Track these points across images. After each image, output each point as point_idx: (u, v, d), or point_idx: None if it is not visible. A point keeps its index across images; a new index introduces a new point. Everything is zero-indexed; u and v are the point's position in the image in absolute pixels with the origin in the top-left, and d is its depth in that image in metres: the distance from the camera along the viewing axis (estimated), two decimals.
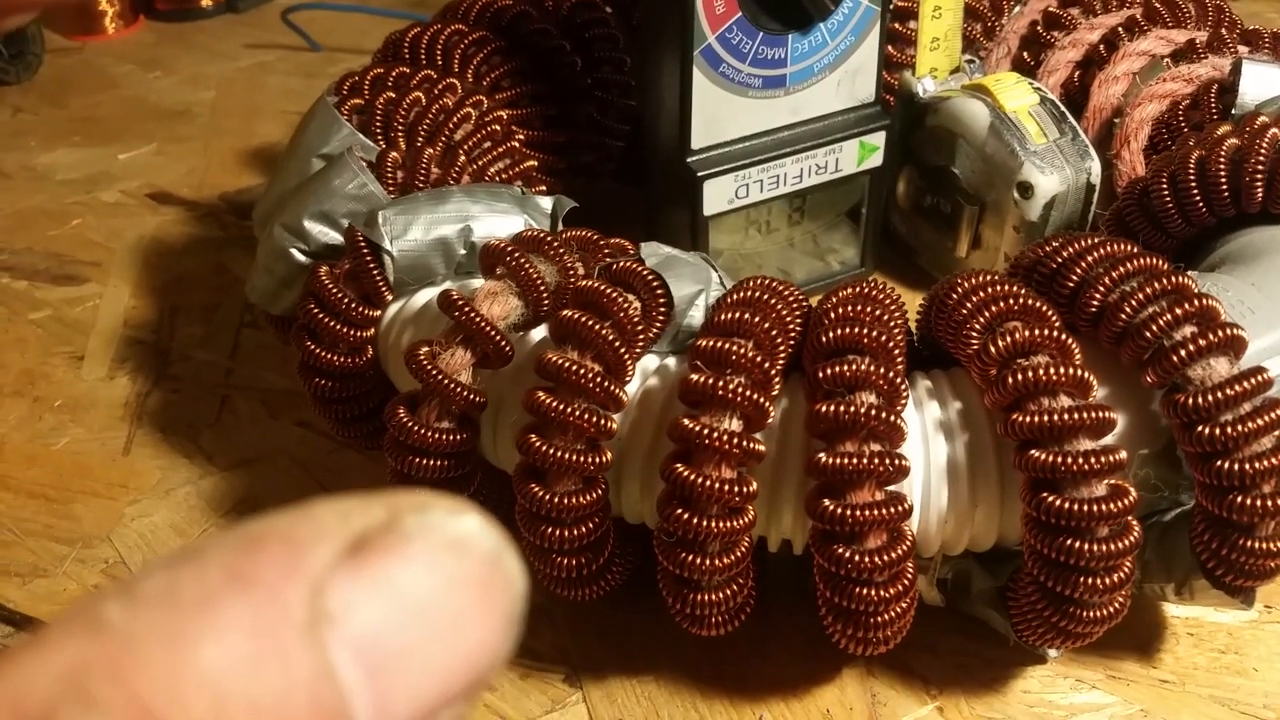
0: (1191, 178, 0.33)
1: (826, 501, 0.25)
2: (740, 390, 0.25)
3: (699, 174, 0.39)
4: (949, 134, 0.43)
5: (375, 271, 0.31)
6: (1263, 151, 0.31)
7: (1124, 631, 0.28)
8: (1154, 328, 0.25)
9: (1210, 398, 0.25)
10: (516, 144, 0.40)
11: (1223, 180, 0.32)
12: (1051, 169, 0.40)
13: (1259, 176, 0.31)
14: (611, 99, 0.45)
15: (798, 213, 0.44)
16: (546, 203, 0.34)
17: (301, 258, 0.34)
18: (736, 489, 0.25)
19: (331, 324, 0.32)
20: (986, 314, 0.26)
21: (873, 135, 0.42)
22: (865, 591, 0.25)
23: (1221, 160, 0.32)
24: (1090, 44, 0.46)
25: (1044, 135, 0.41)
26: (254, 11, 0.78)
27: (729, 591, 0.27)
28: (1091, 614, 0.26)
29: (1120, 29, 0.45)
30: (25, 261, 0.51)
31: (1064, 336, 0.26)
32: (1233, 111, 0.39)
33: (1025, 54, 0.48)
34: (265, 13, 0.77)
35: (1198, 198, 0.33)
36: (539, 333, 0.30)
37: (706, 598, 0.27)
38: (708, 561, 0.26)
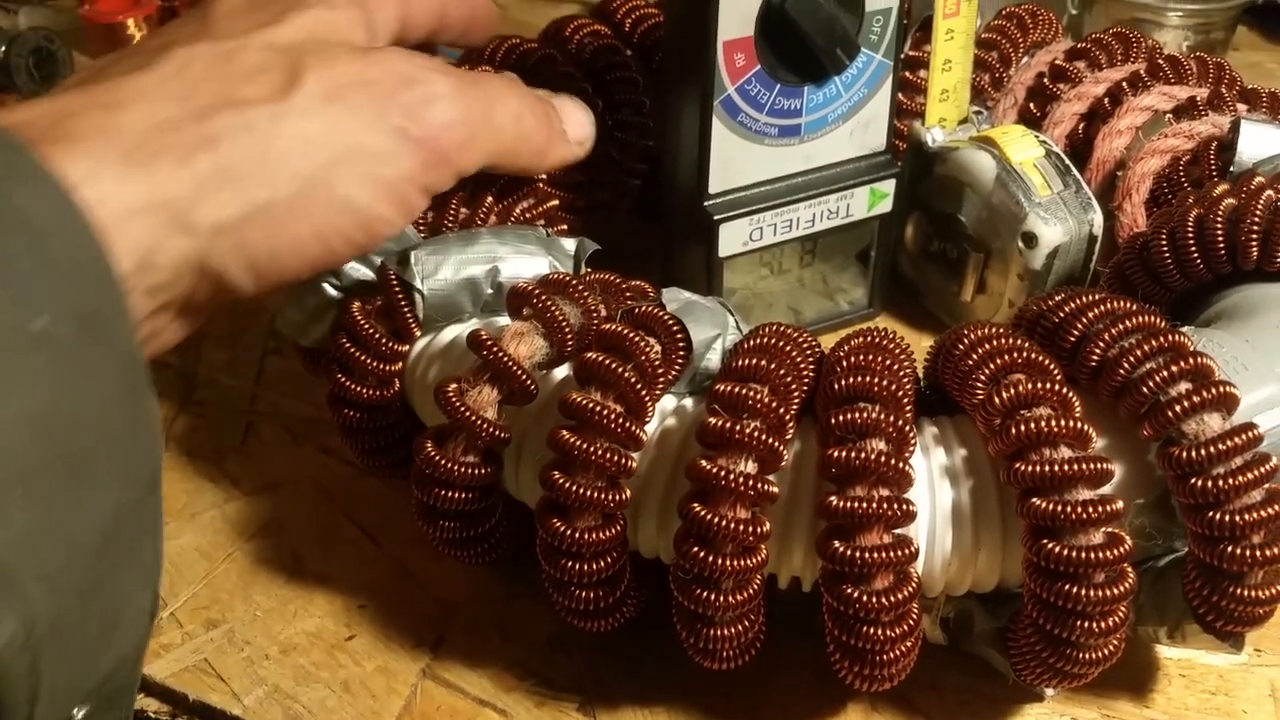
0: (1190, 235, 0.34)
1: (836, 543, 0.26)
2: (755, 434, 0.27)
3: (715, 217, 0.40)
4: (956, 183, 0.44)
5: (406, 309, 0.33)
6: (1258, 212, 0.33)
7: (1118, 672, 0.29)
8: (1151, 383, 0.27)
9: (1203, 452, 0.26)
10: (540, 183, 0.42)
11: (1220, 238, 0.33)
12: (1055, 220, 0.41)
13: (1254, 236, 0.33)
14: (630, 139, 0.47)
15: (809, 254, 0.45)
16: (570, 245, 0.36)
17: (333, 292, 0.35)
18: (751, 528, 0.26)
19: (362, 357, 0.33)
20: (991, 366, 0.28)
21: (883, 183, 0.43)
22: (872, 630, 0.27)
23: (1219, 219, 0.33)
24: (1095, 97, 0.47)
25: (1048, 187, 0.42)
26: None
27: (741, 627, 0.28)
28: (1087, 655, 0.27)
29: (1124, 84, 0.46)
30: None
31: (1065, 390, 0.27)
32: (1231, 169, 0.40)
33: (1032, 105, 0.49)
34: None
35: (1196, 255, 0.34)
36: (562, 372, 0.31)
37: (719, 632, 0.28)
38: (721, 598, 0.27)
